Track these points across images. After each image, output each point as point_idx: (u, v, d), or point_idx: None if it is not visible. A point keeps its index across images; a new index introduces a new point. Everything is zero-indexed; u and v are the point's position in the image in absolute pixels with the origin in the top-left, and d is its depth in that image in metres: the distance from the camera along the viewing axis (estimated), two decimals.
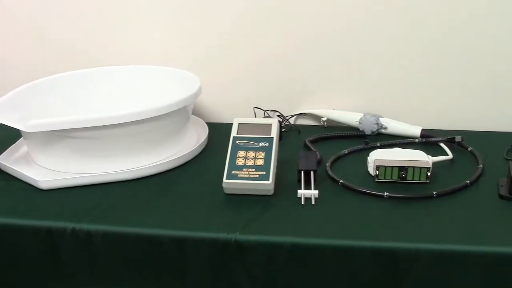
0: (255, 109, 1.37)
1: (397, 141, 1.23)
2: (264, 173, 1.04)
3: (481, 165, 1.12)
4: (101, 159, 1.11)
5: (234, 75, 1.38)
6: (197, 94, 1.19)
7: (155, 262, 0.97)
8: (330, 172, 1.11)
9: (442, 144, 1.21)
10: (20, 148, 1.22)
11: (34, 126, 1.05)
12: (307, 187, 1.04)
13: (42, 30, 1.42)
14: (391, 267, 0.91)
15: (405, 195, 1.03)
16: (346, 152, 1.20)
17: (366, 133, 1.29)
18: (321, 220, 0.97)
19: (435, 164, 1.09)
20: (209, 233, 0.94)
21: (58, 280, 1.02)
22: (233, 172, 1.05)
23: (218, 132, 1.26)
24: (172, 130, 1.18)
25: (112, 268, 0.99)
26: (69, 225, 0.97)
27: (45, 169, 1.13)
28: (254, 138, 1.10)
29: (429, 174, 1.07)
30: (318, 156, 1.15)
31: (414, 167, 1.07)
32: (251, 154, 1.07)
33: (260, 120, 1.25)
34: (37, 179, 1.08)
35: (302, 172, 1.06)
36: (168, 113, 1.11)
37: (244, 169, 1.05)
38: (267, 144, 1.08)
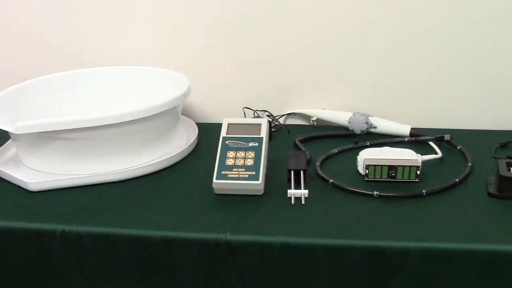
0: (245, 109, 1.37)
1: (387, 140, 1.24)
2: (254, 173, 1.04)
3: (470, 164, 1.12)
4: (90, 160, 1.11)
5: (224, 75, 1.38)
6: (186, 94, 1.19)
7: (145, 263, 0.97)
8: (320, 172, 1.11)
9: (431, 143, 1.21)
10: (9, 149, 1.22)
11: (23, 128, 1.05)
12: (297, 186, 1.04)
13: (32, 30, 1.41)
14: (382, 266, 0.91)
15: (395, 194, 1.03)
16: (336, 151, 1.20)
17: (356, 132, 1.30)
18: (311, 219, 0.97)
19: (424, 162, 1.10)
20: (199, 234, 0.94)
21: (48, 282, 1.01)
22: (223, 172, 1.05)
23: (208, 132, 1.26)
24: (161, 131, 1.18)
25: (102, 269, 0.99)
26: (59, 227, 0.97)
27: (34, 171, 1.12)
28: (243, 138, 1.09)
29: (418, 172, 1.07)
30: (308, 156, 1.16)
31: (403, 166, 1.07)
32: (241, 154, 1.07)
33: (249, 120, 1.25)
34: (26, 181, 1.08)
35: (292, 171, 1.06)
36: (157, 113, 1.10)
37: (234, 169, 1.05)
38: (256, 144, 1.08)
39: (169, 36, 1.37)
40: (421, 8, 1.26)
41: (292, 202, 1.02)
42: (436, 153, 1.17)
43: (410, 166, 1.07)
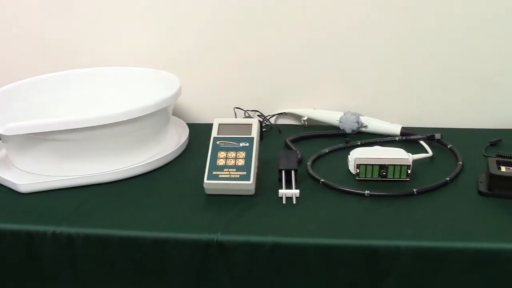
0: (236, 109, 1.37)
1: (378, 139, 1.24)
2: (245, 173, 1.04)
3: (460, 162, 1.13)
4: (80, 161, 1.11)
5: (214, 75, 1.38)
6: (177, 94, 1.18)
7: (136, 264, 0.97)
8: (311, 171, 1.11)
9: (422, 142, 1.22)
10: None
11: (13, 129, 1.04)
12: (288, 186, 1.04)
13: (28, 31, 1.40)
14: (373, 265, 0.91)
15: (385, 193, 1.03)
16: (327, 151, 1.20)
17: (347, 131, 1.30)
18: (303, 219, 0.97)
19: (415, 161, 1.10)
20: (190, 234, 0.94)
21: (39, 284, 1.01)
22: (214, 172, 1.04)
23: (199, 132, 1.25)
24: (152, 131, 1.18)
25: (94, 271, 0.98)
26: (50, 228, 0.97)
27: (24, 172, 1.12)
28: (234, 138, 1.09)
29: (409, 171, 1.07)
30: (299, 156, 1.16)
31: (394, 165, 1.07)
32: (232, 154, 1.07)
33: (240, 120, 1.25)
34: (16, 182, 1.07)
35: (283, 171, 1.06)
36: (148, 114, 1.10)
37: (225, 170, 1.05)
38: (247, 144, 1.08)
39: (159, 37, 1.37)
40: (409, 8, 1.27)
41: (283, 202, 1.02)
42: (427, 152, 1.17)
43: (401, 165, 1.07)
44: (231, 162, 1.06)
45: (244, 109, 1.37)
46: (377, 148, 1.15)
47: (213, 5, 1.32)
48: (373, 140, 1.24)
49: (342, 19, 1.30)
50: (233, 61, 1.36)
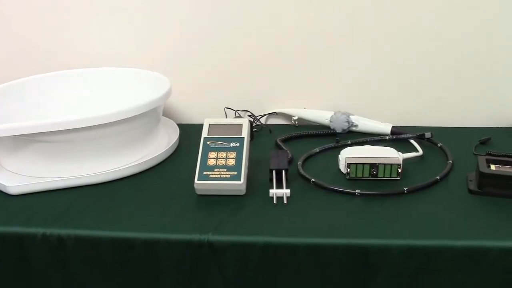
0: (226, 109, 1.37)
1: (368, 138, 1.24)
2: (235, 173, 1.04)
3: (450, 161, 1.13)
4: (71, 162, 1.10)
5: (204, 75, 1.38)
6: (167, 95, 1.18)
7: (128, 265, 0.96)
8: (301, 171, 1.11)
9: (412, 141, 1.22)
10: None
11: (1, 131, 1.04)
12: (279, 186, 1.04)
13: (11, 31, 1.40)
14: (364, 264, 0.91)
15: (376, 192, 1.03)
16: (318, 150, 1.20)
17: (337, 131, 1.30)
18: (294, 219, 0.97)
19: (405, 160, 1.10)
20: (181, 235, 0.94)
21: (30, 286, 1.00)
22: (204, 173, 1.04)
23: (189, 133, 1.25)
24: (142, 132, 1.18)
25: (84, 272, 0.98)
26: (40, 230, 0.96)
27: (14, 174, 1.11)
28: (225, 138, 1.09)
29: (399, 170, 1.07)
30: (290, 155, 1.16)
31: (385, 164, 1.07)
32: (222, 154, 1.07)
33: (230, 120, 1.25)
34: (6, 184, 1.07)
35: (274, 171, 1.06)
36: (138, 115, 1.10)
37: (216, 170, 1.05)
38: (238, 144, 1.08)
39: (149, 37, 1.36)
40: (398, 7, 1.27)
41: (274, 202, 1.02)
42: (417, 151, 1.18)
43: (391, 164, 1.07)
44: (221, 162, 1.06)
45: (235, 109, 1.37)
46: (367, 147, 1.15)
47: (203, 6, 1.32)
48: (364, 139, 1.24)
49: (331, 19, 1.30)
50: (223, 61, 1.36)
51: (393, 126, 1.27)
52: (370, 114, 1.31)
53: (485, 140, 1.23)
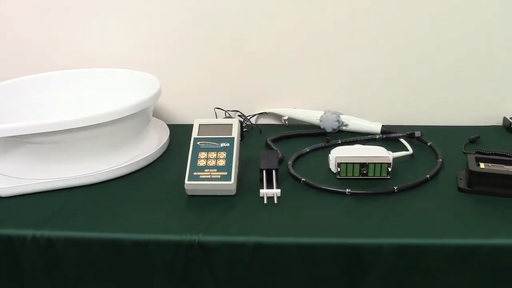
0: (216, 109, 1.37)
1: (358, 138, 1.24)
2: (225, 173, 1.04)
3: (440, 160, 1.14)
4: (61, 164, 1.10)
5: (194, 75, 1.38)
6: (157, 95, 1.18)
7: (118, 267, 0.96)
8: (292, 171, 1.11)
9: (402, 140, 1.23)
10: None
11: None
12: (269, 186, 1.04)
13: (4, 31, 1.39)
14: (355, 263, 0.91)
15: (366, 191, 1.04)
16: (308, 150, 1.21)
17: (327, 130, 1.30)
18: (284, 218, 0.97)
19: (395, 159, 1.11)
20: (172, 235, 0.94)
21: None
22: (194, 173, 1.04)
23: (179, 133, 1.25)
24: (132, 133, 1.17)
25: (75, 274, 0.98)
26: (30, 232, 0.96)
27: (3, 176, 1.11)
28: (215, 138, 1.09)
29: (390, 169, 1.08)
30: (280, 155, 1.16)
31: (375, 163, 1.07)
32: (213, 154, 1.07)
33: (220, 120, 1.25)
34: None
35: (264, 171, 1.06)
36: (128, 115, 1.10)
37: (206, 170, 1.04)
38: (228, 145, 1.08)
39: (138, 38, 1.36)
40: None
41: (265, 202, 1.02)
42: (407, 150, 1.18)
43: (381, 163, 1.07)
44: (212, 163, 1.06)
45: (225, 109, 1.37)
46: (357, 146, 1.15)
47: (192, 6, 1.32)
48: (354, 138, 1.24)
49: (321, 19, 1.30)
50: (213, 61, 1.36)
51: (383, 125, 1.28)
52: (360, 113, 1.32)
53: (474, 138, 1.24)
